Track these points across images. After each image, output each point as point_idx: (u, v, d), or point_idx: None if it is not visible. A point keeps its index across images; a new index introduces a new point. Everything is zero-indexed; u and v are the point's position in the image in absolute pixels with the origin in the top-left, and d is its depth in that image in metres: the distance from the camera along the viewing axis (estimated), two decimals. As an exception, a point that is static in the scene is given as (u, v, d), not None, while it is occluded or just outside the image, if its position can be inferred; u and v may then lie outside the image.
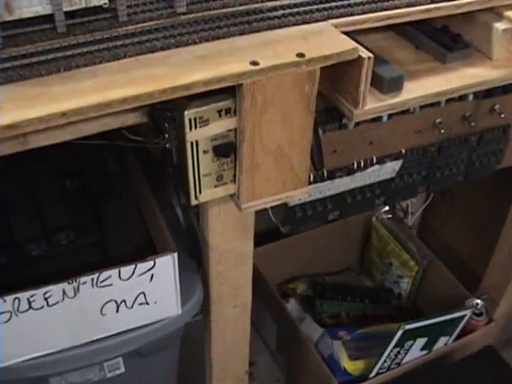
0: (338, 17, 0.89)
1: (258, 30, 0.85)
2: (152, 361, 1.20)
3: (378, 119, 1.00)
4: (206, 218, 1.03)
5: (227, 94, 0.81)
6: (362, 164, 1.07)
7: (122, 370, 1.16)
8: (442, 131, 1.10)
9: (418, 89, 0.94)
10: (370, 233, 1.82)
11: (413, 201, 1.77)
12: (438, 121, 1.10)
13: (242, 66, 0.78)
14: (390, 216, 1.81)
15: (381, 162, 1.09)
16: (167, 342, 1.17)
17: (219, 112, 0.82)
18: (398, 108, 0.92)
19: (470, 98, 1.08)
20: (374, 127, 1.03)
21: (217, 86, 0.78)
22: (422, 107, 1.04)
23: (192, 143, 0.84)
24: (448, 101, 1.05)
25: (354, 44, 0.83)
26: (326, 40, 0.85)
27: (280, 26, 0.86)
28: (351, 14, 0.90)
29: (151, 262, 1.01)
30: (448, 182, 1.20)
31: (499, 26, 0.99)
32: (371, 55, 0.84)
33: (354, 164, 1.07)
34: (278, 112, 0.84)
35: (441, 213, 1.85)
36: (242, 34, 0.84)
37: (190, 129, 0.82)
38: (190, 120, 0.81)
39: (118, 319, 1.05)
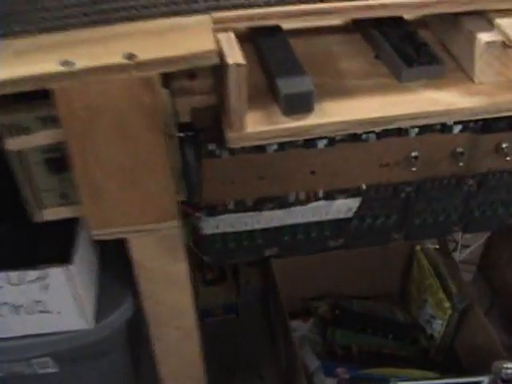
0: (225, 8, 0.60)
1: (106, 22, 0.59)
2: (89, 366, 1.03)
3: (312, 145, 0.70)
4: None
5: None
6: (303, 197, 0.77)
7: (56, 369, 1.01)
8: (415, 169, 0.76)
9: (340, 112, 0.63)
10: (412, 261, 1.47)
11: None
12: (413, 154, 0.76)
13: (48, 66, 0.54)
14: (437, 247, 1.44)
15: (329, 197, 0.78)
16: (92, 352, 0.97)
17: (43, 120, 0.58)
18: (301, 135, 0.62)
19: (456, 130, 0.74)
20: (309, 154, 0.73)
21: (16, 90, 0.54)
22: (378, 135, 0.72)
23: (18, 152, 0.60)
24: (424, 131, 0.73)
25: (211, 45, 0.55)
26: (187, 38, 0.57)
27: (139, 18, 0.59)
28: (249, 6, 0.61)
29: (40, 272, 0.83)
30: (435, 231, 0.86)
31: (483, 36, 0.64)
32: (241, 62, 0.55)
33: (289, 196, 0.77)
34: (114, 126, 0.58)
35: (507, 246, 1.46)
36: (84, 25, 0.59)
37: (11, 136, 0.59)
38: (4, 126, 0.58)
39: (22, 323, 0.91)
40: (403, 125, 0.66)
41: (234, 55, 0.56)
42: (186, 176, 0.66)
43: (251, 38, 0.74)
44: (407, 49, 0.67)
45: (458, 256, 1.43)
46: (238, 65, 0.55)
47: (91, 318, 0.91)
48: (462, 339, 1.37)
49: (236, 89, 0.56)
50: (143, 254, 0.86)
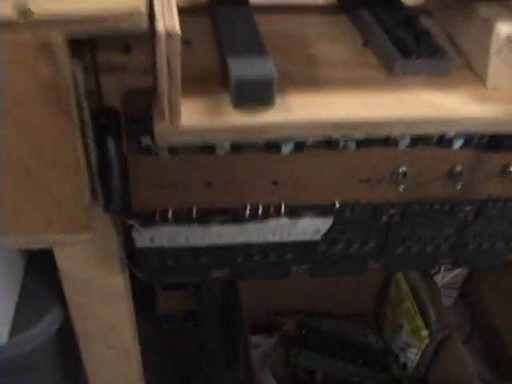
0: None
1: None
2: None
3: (274, 149, 0.53)
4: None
5: None
6: (262, 211, 0.59)
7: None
8: (402, 188, 0.59)
9: (310, 109, 0.45)
10: (390, 281, 1.30)
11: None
12: (400, 170, 0.59)
13: None
14: (418, 268, 1.27)
15: (293, 214, 0.60)
16: (10, 369, 0.79)
17: None
18: (253, 135, 0.45)
19: (457, 144, 0.57)
20: (271, 160, 0.56)
21: None
22: (359, 144, 0.55)
23: None
24: (416, 142, 0.56)
25: (138, 4, 0.37)
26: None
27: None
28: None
29: None
30: (419, 263, 0.68)
31: (503, 27, 0.46)
32: (173, 30, 0.37)
33: (244, 209, 0.59)
34: (7, 108, 0.40)
35: (492, 271, 1.29)
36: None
37: None
38: None
39: None
40: (391, 132, 0.48)
41: (167, 21, 0.38)
42: (103, 177, 0.48)
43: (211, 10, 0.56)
44: (404, 36, 0.50)
45: (440, 279, 1.26)
46: (170, 34, 0.38)
47: (5, 333, 0.73)
48: (436, 370, 1.21)
49: (165, 66, 0.39)
50: (70, 264, 0.69)
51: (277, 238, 0.62)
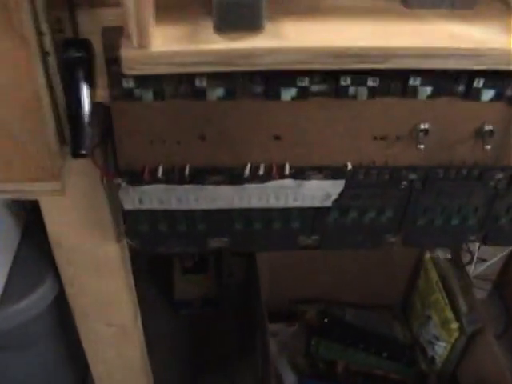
0: None
1: None
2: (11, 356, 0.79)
3: (273, 94, 0.45)
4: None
5: None
6: (263, 171, 0.51)
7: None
8: (423, 148, 0.50)
9: (304, 35, 0.37)
10: (419, 271, 1.19)
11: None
12: (421, 127, 0.50)
13: None
14: (450, 257, 1.16)
15: (299, 175, 0.52)
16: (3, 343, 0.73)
17: None
18: (237, 64, 0.37)
19: (486, 96, 0.48)
20: (271, 108, 0.47)
21: None
22: (372, 91, 0.46)
23: None
24: (439, 91, 0.47)
25: None
26: None
27: None
28: None
29: None
30: (444, 239, 0.59)
31: None
32: None
33: (243, 168, 0.51)
34: None
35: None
36: None
37: None
38: None
39: None
40: (404, 64, 0.40)
41: None
42: (71, 118, 0.41)
43: None
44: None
45: (472, 270, 1.15)
46: None
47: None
48: (466, 367, 1.10)
49: None
50: (60, 231, 0.62)
51: (281, 203, 0.54)
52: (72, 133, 0.42)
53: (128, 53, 0.36)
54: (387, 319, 1.21)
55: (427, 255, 1.15)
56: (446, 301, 1.08)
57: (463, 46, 0.39)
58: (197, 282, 1.22)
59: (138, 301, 1.19)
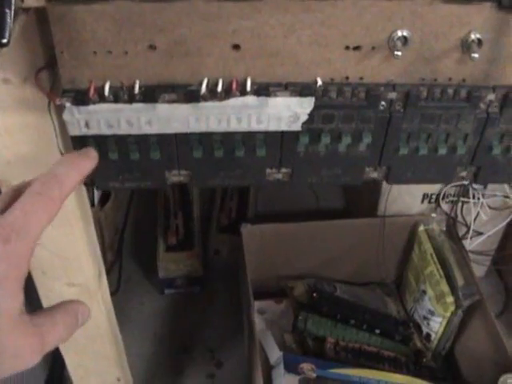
0: None
1: None
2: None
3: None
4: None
5: None
6: (220, 87, 0.45)
7: None
8: (401, 59, 0.43)
9: None
10: (413, 244, 1.12)
11: (482, 213, 1.05)
12: (399, 33, 0.44)
13: None
14: (445, 228, 1.10)
15: (263, 91, 0.46)
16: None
17: None
18: None
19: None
20: (227, 10, 0.41)
21: None
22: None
23: None
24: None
25: None
26: None
27: None
28: None
29: None
30: (430, 172, 0.52)
31: None
32: None
33: (198, 84, 0.45)
34: None
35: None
36: None
37: None
38: None
39: None
40: None
41: None
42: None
43: None
44: None
45: (468, 244, 1.08)
46: None
47: None
48: (464, 343, 1.03)
49: None
50: (7, 168, 0.56)
51: (243, 126, 0.47)
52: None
53: None
54: (380, 295, 1.15)
55: (421, 227, 1.09)
56: (441, 273, 1.02)
57: None
58: (181, 260, 1.15)
59: (118, 279, 1.13)
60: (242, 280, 1.04)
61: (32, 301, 0.71)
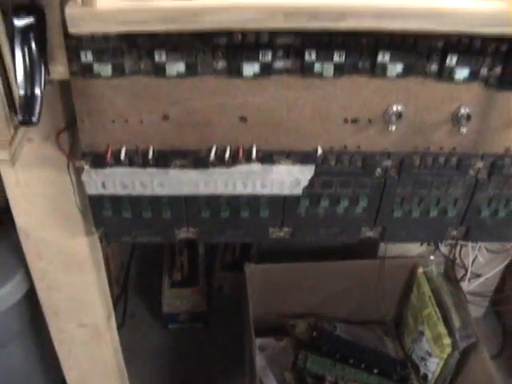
0: None
1: None
2: None
3: (235, 71, 0.42)
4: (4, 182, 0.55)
5: None
6: (228, 154, 0.49)
7: None
8: (396, 132, 0.47)
9: None
10: (412, 285, 1.15)
11: (480, 256, 1.08)
12: (394, 108, 0.48)
13: None
14: (443, 271, 1.13)
15: (267, 159, 0.50)
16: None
17: None
18: (181, 22, 0.35)
19: (461, 75, 0.46)
20: (235, 87, 0.45)
21: None
22: (340, 69, 0.44)
23: None
24: (409, 71, 0.44)
25: None
26: None
27: None
28: None
29: None
30: (423, 232, 0.56)
31: None
32: None
33: (208, 151, 0.49)
34: None
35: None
36: None
37: None
38: None
39: None
40: (361, 24, 0.37)
41: None
42: (25, 85, 0.39)
43: None
44: None
45: (466, 285, 1.11)
46: None
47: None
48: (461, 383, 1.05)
49: None
50: (27, 221, 0.60)
51: (248, 190, 0.51)
52: (21, 100, 0.40)
53: (72, 10, 0.34)
54: (379, 335, 1.17)
55: (420, 269, 1.12)
56: (439, 315, 1.04)
57: (424, 4, 0.36)
58: (185, 296, 1.18)
59: (123, 313, 1.16)
60: (244, 317, 1.07)
61: (44, 340, 0.75)
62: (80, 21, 0.35)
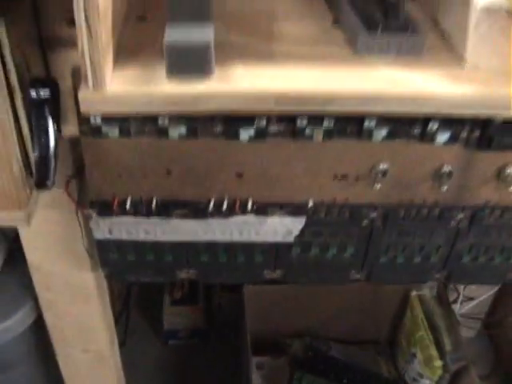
0: None
1: None
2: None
3: (232, 135, 0.47)
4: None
5: None
6: (226, 207, 0.53)
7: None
8: (382, 188, 0.51)
9: (251, 80, 0.39)
10: (405, 308, 1.20)
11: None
12: (380, 167, 0.52)
13: None
14: (435, 295, 1.17)
15: (261, 211, 0.54)
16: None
17: None
18: (187, 106, 0.39)
19: (441, 139, 0.49)
20: (232, 148, 0.49)
21: None
22: (329, 133, 0.48)
23: None
24: (394, 135, 0.48)
25: None
26: None
27: None
28: None
29: None
30: (407, 276, 0.60)
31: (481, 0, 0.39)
32: None
33: (207, 203, 0.53)
34: None
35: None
36: None
37: None
38: None
39: None
40: (344, 108, 0.41)
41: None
42: (38, 151, 0.43)
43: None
44: (373, 12, 0.43)
45: (458, 308, 1.15)
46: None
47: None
48: (452, 406, 1.09)
49: (83, 21, 0.34)
50: (37, 256, 0.64)
51: (244, 238, 0.55)
52: (37, 165, 0.44)
53: (84, 94, 0.38)
54: (373, 355, 1.21)
55: (413, 293, 1.16)
56: (431, 338, 1.08)
57: (404, 90, 0.41)
58: (186, 314, 1.22)
59: (125, 330, 1.20)
60: (242, 336, 1.11)
61: (50, 364, 0.79)
62: (91, 103, 0.39)
